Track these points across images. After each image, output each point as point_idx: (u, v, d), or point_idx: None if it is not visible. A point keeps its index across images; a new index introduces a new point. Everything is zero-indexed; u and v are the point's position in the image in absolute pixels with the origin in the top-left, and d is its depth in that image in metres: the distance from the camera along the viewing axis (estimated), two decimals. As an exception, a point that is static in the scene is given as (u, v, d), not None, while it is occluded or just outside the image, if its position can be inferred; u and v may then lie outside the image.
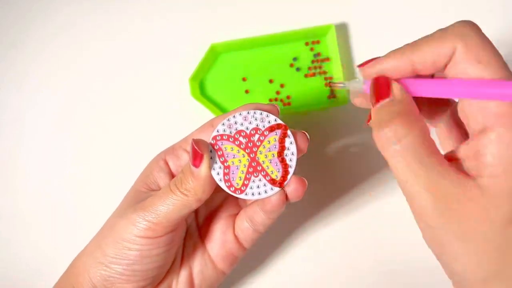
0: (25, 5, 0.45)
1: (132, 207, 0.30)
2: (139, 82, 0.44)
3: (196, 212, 0.35)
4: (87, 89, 0.44)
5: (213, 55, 0.42)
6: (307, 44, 0.43)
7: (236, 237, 0.33)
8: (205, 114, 0.42)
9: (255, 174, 0.29)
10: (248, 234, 0.33)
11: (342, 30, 0.44)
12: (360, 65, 0.27)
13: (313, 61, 0.43)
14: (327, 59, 0.43)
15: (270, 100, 0.43)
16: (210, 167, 0.28)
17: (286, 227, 0.41)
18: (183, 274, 0.33)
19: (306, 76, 0.43)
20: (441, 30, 0.24)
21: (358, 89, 0.28)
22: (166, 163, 0.33)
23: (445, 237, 0.23)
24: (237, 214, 0.34)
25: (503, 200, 0.21)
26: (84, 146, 0.43)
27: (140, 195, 0.32)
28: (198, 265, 0.33)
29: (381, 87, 0.25)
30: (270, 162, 0.29)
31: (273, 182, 0.29)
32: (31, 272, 0.41)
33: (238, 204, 0.35)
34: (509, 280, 0.22)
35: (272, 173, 0.29)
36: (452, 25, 0.24)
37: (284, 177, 0.29)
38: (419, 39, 0.25)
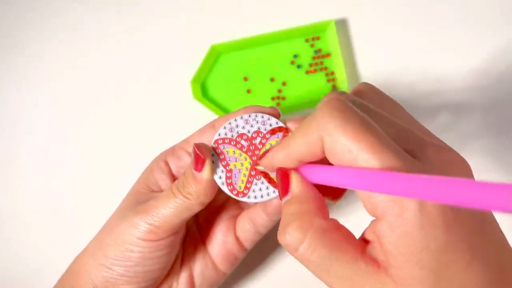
0: (25, 6, 0.45)
1: (134, 209, 0.30)
2: (140, 85, 0.44)
3: (196, 213, 0.35)
4: (89, 91, 0.44)
5: (214, 56, 0.42)
6: (307, 40, 0.43)
7: (237, 238, 0.33)
8: (208, 115, 0.42)
9: (257, 177, 0.29)
10: (250, 235, 0.33)
11: (342, 25, 0.44)
12: (259, 158, 0.29)
13: (313, 58, 0.43)
14: (328, 55, 0.43)
15: (273, 98, 0.43)
16: (212, 171, 0.28)
17: None
18: (184, 275, 0.33)
19: (307, 73, 0.43)
20: (306, 119, 0.23)
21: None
22: (167, 164, 0.33)
23: None
24: (238, 215, 0.34)
25: None
26: (85, 147, 0.43)
27: (141, 196, 0.32)
28: (199, 266, 0.34)
29: (281, 181, 0.25)
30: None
31: (275, 185, 0.29)
32: (31, 272, 0.41)
33: (239, 205, 0.35)
34: None
35: (274, 176, 0.29)
36: (314, 113, 0.22)
37: None
38: (294, 130, 0.25)
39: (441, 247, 0.19)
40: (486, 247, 0.20)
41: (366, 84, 0.26)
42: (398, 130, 0.23)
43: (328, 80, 0.43)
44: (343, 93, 0.24)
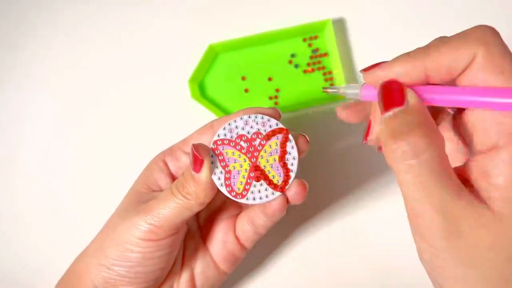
0: (26, 7, 0.45)
1: (134, 210, 0.30)
2: (139, 85, 0.44)
3: (197, 213, 0.35)
4: (88, 91, 0.44)
5: (211, 55, 0.42)
6: (304, 40, 0.43)
7: (237, 238, 0.33)
8: (206, 114, 0.42)
9: (256, 179, 0.29)
10: (249, 236, 0.33)
11: (339, 24, 0.44)
12: (365, 69, 0.25)
13: (311, 57, 0.43)
14: (325, 54, 0.43)
15: (270, 98, 0.43)
16: (211, 172, 0.28)
17: (286, 228, 0.41)
18: (185, 275, 0.33)
19: (305, 72, 0.43)
20: (459, 33, 0.22)
21: (354, 95, 0.26)
22: (166, 164, 0.33)
23: (448, 260, 0.21)
24: (238, 214, 0.34)
25: None
26: (85, 147, 0.43)
27: (141, 196, 0.32)
28: (200, 266, 0.34)
29: (393, 93, 0.22)
30: (271, 167, 0.29)
31: (274, 186, 0.29)
32: (31, 272, 0.41)
33: (239, 205, 0.35)
34: None
35: (273, 177, 0.29)
36: (472, 29, 0.22)
37: (285, 181, 0.29)
38: (432, 42, 0.22)
39: None
40: None
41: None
42: None
43: (326, 80, 0.43)
44: None
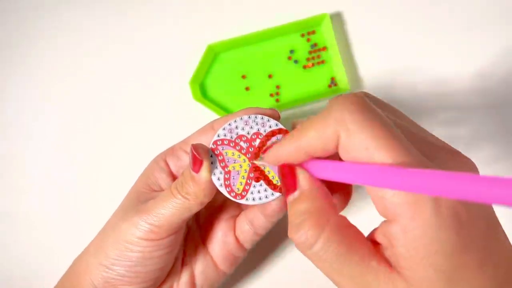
0: (27, 7, 0.45)
1: (134, 210, 0.30)
2: (141, 88, 0.44)
3: (197, 213, 0.35)
4: (90, 94, 0.44)
5: (211, 55, 0.43)
6: (302, 35, 0.43)
7: (236, 238, 0.34)
8: (208, 115, 0.42)
9: (256, 179, 0.29)
10: (249, 236, 0.33)
11: (337, 18, 0.44)
12: (263, 151, 0.28)
13: (310, 52, 0.43)
14: (324, 48, 0.43)
15: (271, 95, 0.43)
16: (210, 172, 0.28)
17: (286, 227, 0.41)
18: (185, 275, 0.33)
19: (304, 67, 0.43)
20: (323, 113, 0.22)
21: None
22: (167, 164, 0.33)
23: None
24: (237, 215, 0.34)
25: None
26: (86, 148, 0.43)
27: (142, 196, 0.32)
28: (200, 266, 0.34)
29: (287, 178, 0.24)
30: (271, 167, 0.29)
31: (273, 187, 0.29)
32: (31, 272, 0.42)
33: (239, 206, 0.35)
34: None
35: (273, 178, 0.29)
36: (332, 108, 0.22)
37: None
38: (302, 125, 0.23)
39: (455, 248, 0.19)
40: (496, 251, 0.21)
41: (365, 93, 0.25)
42: (412, 132, 0.23)
43: (326, 74, 0.43)
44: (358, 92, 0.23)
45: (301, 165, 0.24)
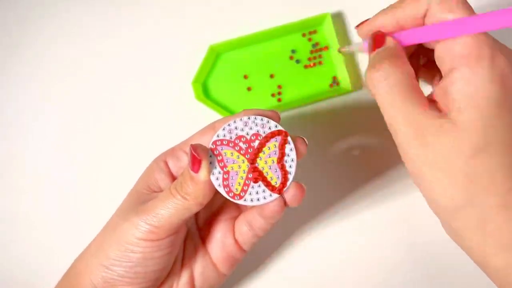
0: (27, 7, 0.45)
1: (134, 210, 0.31)
2: (143, 88, 0.44)
3: (196, 214, 0.35)
4: (91, 94, 0.44)
5: (213, 56, 0.43)
6: (304, 35, 0.43)
7: (236, 240, 0.34)
8: (210, 115, 0.42)
9: (254, 180, 0.29)
10: (248, 238, 0.33)
11: (338, 18, 0.44)
12: (357, 26, 0.32)
13: (311, 51, 0.43)
14: (326, 48, 0.43)
15: (273, 95, 0.43)
16: (209, 172, 0.29)
17: (286, 228, 0.41)
18: (184, 276, 0.34)
19: (306, 67, 0.43)
20: None
21: (360, 48, 0.32)
22: (167, 164, 0.33)
23: (423, 168, 0.26)
24: (237, 216, 0.34)
25: (471, 131, 0.24)
26: (87, 148, 0.43)
27: (142, 196, 0.32)
28: (199, 267, 0.34)
29: (377, 40, 0.29)
30: (270, 169, 0.29)
31: (272, 188, 0.29)
32: (31, 272, 0.42)
33: (238, 207, 0.35)
34: (477, 209, 0.24)
35: (271, 179, 0.29)
36: None
37: (283, 183, 0.29)
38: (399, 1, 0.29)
39: (497, 101, 0.24)
40: None
41: None
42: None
43: (328, 73, 0.43)
44: None
45: (389, 34, 0.29)
